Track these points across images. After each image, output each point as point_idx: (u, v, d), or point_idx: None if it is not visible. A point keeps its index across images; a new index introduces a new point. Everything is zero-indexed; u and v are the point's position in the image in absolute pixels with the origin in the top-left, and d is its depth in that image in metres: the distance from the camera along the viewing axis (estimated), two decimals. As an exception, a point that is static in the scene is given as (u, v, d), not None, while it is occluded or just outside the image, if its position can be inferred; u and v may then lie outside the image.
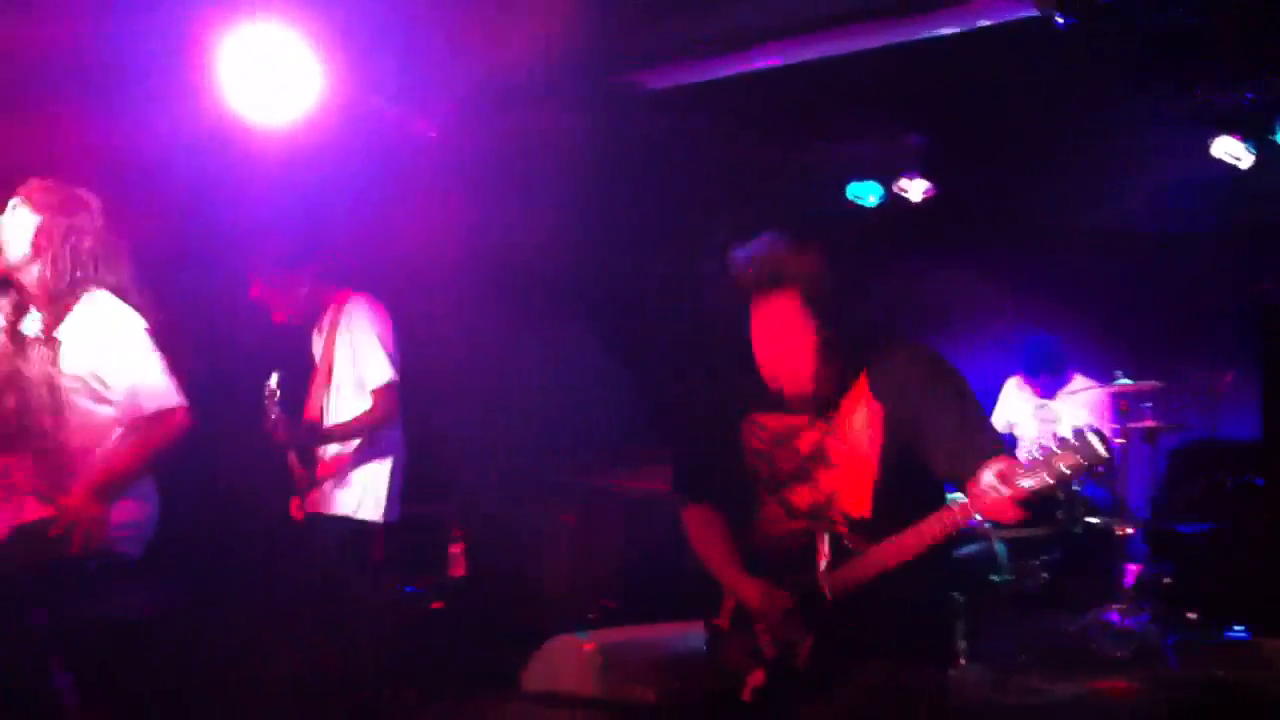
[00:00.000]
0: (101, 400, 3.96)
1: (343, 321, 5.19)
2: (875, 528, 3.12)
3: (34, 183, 4.00)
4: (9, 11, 4.39)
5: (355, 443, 5.24)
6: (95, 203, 4.05)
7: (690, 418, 3.68)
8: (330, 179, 5.60)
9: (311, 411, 5.29)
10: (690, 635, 5.04)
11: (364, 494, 5.26)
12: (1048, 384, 7.31)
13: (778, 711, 3.21)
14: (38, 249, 3.92)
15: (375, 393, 5.14)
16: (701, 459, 3.57)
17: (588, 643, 5.91)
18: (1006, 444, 3.15)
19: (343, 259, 5.37)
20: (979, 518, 2.97)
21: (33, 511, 3.92)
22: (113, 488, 3.90)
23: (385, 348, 5.16)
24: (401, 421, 5.38)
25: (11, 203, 3.97)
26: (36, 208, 3.95)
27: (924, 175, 7.34)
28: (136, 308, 4.04)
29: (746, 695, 3.23)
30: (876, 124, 6.78)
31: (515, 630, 6.54)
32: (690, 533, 3.53)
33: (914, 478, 3.13)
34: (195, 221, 5.30)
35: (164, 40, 4.82)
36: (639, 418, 6.57)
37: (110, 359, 3.94)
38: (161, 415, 3.97)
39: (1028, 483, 2.82)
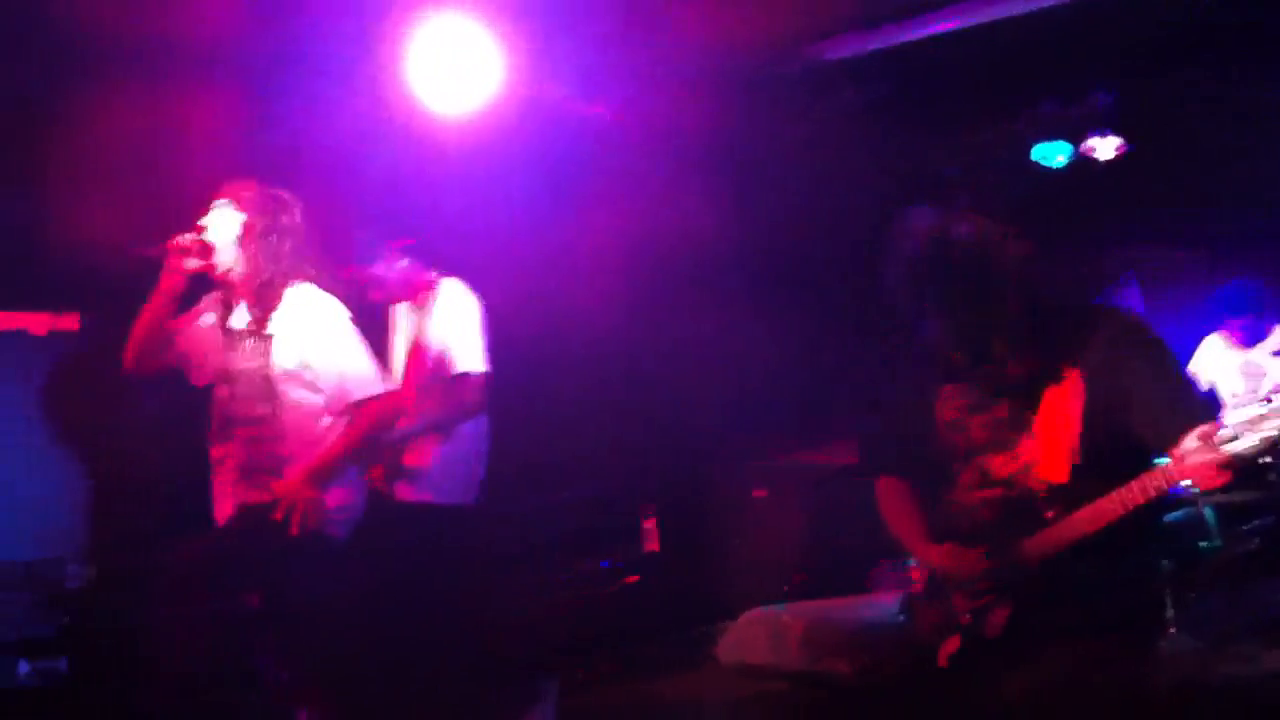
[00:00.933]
0: (312, 389, 4.09)
1: (438, 305, 5.02)
2: (1074, 494, 3.05)
3: (238, 184, 4.18)
4: (203, 7, 4.58)
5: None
6: (295, 202, 4.21)
7: (882, 390, 3.66)
8: (510, 164, 5.70)
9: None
10: (884, 608, 5.03)
11: (452, 479, 5.05)
12: (1250, 329, 7.00)
13: (975, 680, 3.17)
14: (243, 246, 4.10)
15: (464, 380, 4.93)
16: (893, 431, 3.56)
17: (782, 616, 5.94)
18: (1212, 406, 3.04)
19: (446, 241, 5.24)
20: (1184, 483, 2.89)
21: (253, 495, 4.07)
22: (327, 473, 4.02)
23: (479, 336, 4.96)
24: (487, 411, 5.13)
25: (217, 204, 4.16)
26: (241, 207, 4.12)
27: (1115, 132, 7.09)
28: (337, 297, 4.19)
29: (942, 662, 3.21)
30: (1063, 82, 6.58)
31: (708, 603, 6.60)
32: (882, 506, 3.53)
33: (1115, 445, 3.05)
34: (379, 209, 5.44)
35: (350, 33, 4.96)
36: (827, 393, 6.54)
37: (319, 349, 4.08)
38: (369, 402, 4.10)
39: (1234, 447, 2.74)
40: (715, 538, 7.16)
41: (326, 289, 4.20)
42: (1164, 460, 2.92)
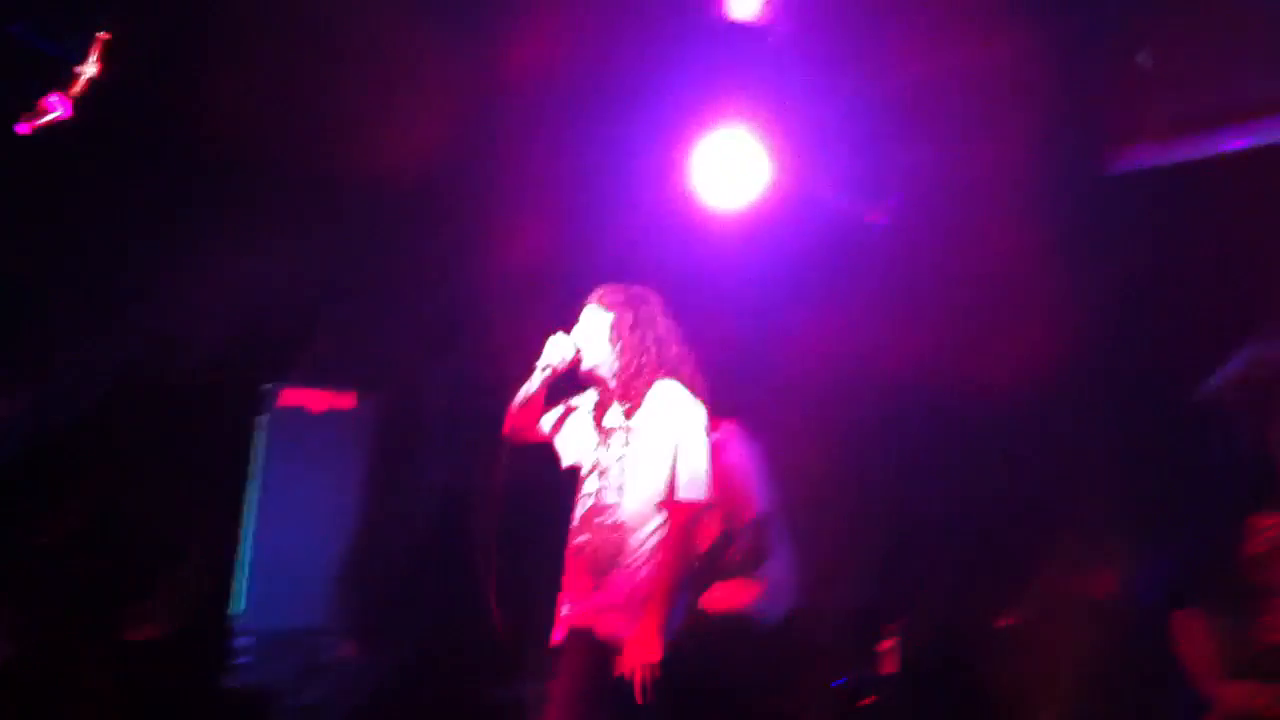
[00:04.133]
0: (656, 480, 4.14)
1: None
2: None
3: (603, 287, 4.40)
4: (517, 129, 4.85)
5: None
6: (655, 297, 4.38)
7: (1182, 522, 3.55)
8: (781, 262, 5.80)
9: None
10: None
11: None
12: None
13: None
14: (611, 342, 4.28)
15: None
16: (1193, 564, 3.44)
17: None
18: None
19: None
20: None
21: (590, 581, 4.12)
22: (668, 613, 4.02)
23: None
24: None
25: (587, 307, 4.37)
26: (608, 307, 4.32)
27: None
28: (698, 395, 4.25)
29: None
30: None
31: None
32: (1180, 640, 3.39)
33: None
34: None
35: (644, 147, 5.18)
36: (1091, 517, 6.26)
37: (670, 444, 4.14)
38: (685, 507, 4.11)
39: None
40: (962, 663, 6.88)
41: (694, 386, 4.28)
42: None
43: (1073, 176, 5.36)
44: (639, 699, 3.89)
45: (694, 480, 4.12)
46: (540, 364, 4.28)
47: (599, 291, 4.38)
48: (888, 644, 6.79)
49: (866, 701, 6.46)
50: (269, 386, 5.95)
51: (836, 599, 6.65)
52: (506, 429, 4.36)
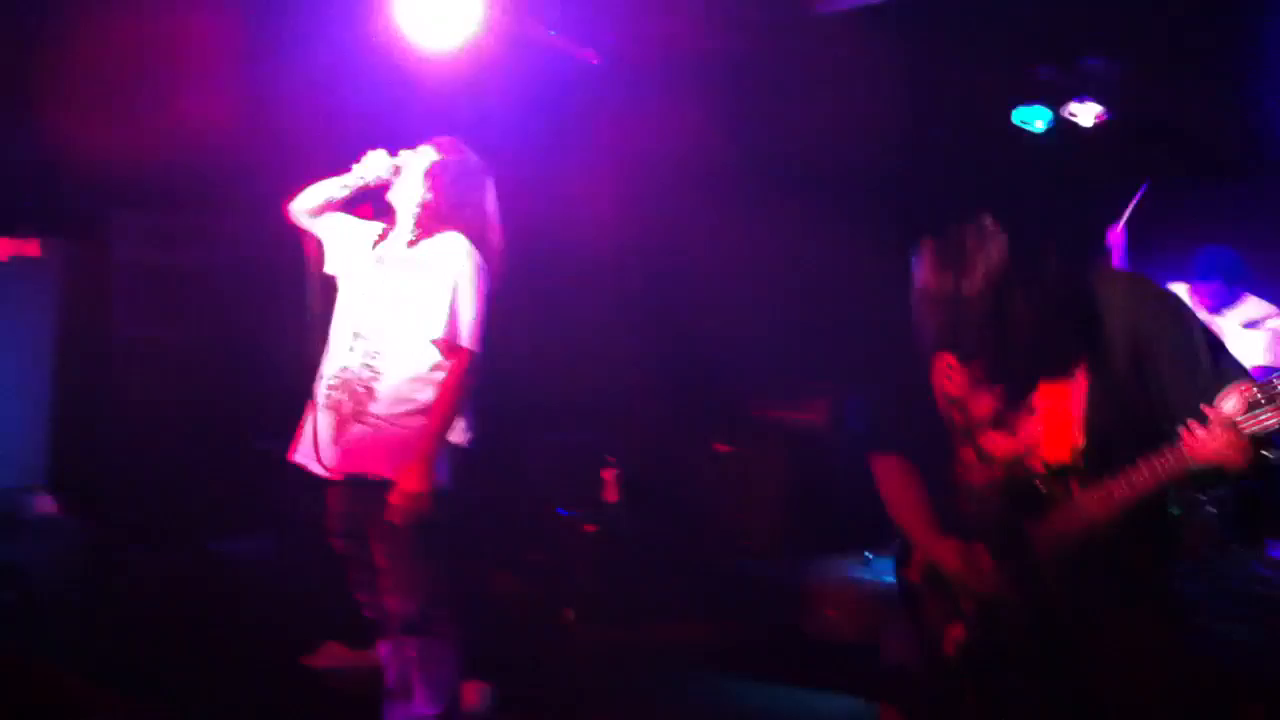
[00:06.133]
0: (424, 320, 4.12)
1: None
2: (1078, 476, 2.90)
3: (444, 137, 4.32)
4: None
5: None
6: (488, 172, 4.32)
7: (879, 361, 3.50)
8: (494, 101, 5.67)
9: None
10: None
11: None
12: (1218, 295, 6.93)
13: (982, 667, 3.09)
14: (425, 178, 4.22)
15: None
16: (891, 406, 3.37)
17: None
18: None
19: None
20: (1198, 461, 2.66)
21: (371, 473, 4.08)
22: (436, 453, 4.06)
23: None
24: None
25: (422, 146, 4.28)
26: (439, 150, 4.27)
27: (1097, 99, 7.07)
28: (483, 251, 4.22)
29: (948, 649, 3.12)
30: (1048, 46, 6.55)
31: (669, 556, 6.59)
32: (880, 485, 3.29)
33: (1125, 421, 2.88)
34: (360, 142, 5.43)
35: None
36: (804, 350, 6.50)
37: (446, 289, 4.12)
38: (460, 353, 4.11)
39: (1272, 418, 2.58)
40: (677, 490, 7.13)
41: (484, 249, 4.23)
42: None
43: (779, 19, 5.39)
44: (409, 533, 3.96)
45: (465, 326, 4.12)
46: (355, 172, 4.25)
47: (441, 139, 4.32)
48: (609, 474, 7.02)
49: (589, 529, 6.65)
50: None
51: (559, 433, 6.77)
52: (290, 200, 4.33)
